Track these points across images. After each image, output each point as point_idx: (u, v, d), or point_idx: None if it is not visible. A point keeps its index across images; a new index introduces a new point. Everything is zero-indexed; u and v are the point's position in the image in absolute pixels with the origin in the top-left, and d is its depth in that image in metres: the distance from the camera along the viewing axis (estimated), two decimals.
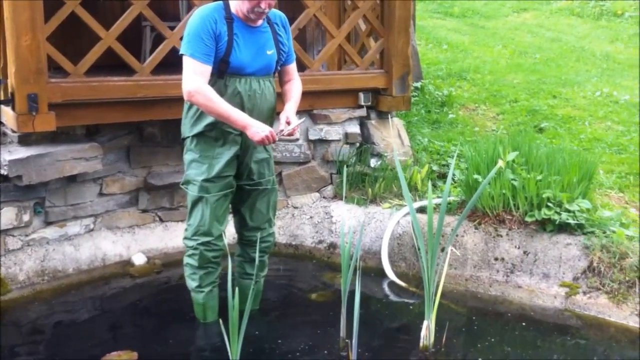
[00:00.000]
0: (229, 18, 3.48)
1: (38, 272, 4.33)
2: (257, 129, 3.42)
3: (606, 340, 3.74)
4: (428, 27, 11.90)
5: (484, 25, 12.45)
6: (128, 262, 4.67)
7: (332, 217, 5.15)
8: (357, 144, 5.55)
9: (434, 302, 3.52)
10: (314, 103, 5.34)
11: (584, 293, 4.06)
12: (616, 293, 3.97)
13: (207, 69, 3.44)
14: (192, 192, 3.62)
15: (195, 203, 3.64)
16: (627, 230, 4.29)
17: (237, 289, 3.13)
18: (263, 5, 3.43)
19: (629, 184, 5.28)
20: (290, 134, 3.62)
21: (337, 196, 5.37)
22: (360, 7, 5.40)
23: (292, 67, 3.87)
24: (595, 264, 4.09)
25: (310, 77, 5.24)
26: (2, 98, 4.36)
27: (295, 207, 5.32)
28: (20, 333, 3.82)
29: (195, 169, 3.61)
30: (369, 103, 5.55)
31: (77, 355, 3.54)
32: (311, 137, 5.36)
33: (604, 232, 4.25)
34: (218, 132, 3.56)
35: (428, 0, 13.82)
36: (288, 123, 3.61)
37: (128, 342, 3.60)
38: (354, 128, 5.52)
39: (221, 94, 3.46)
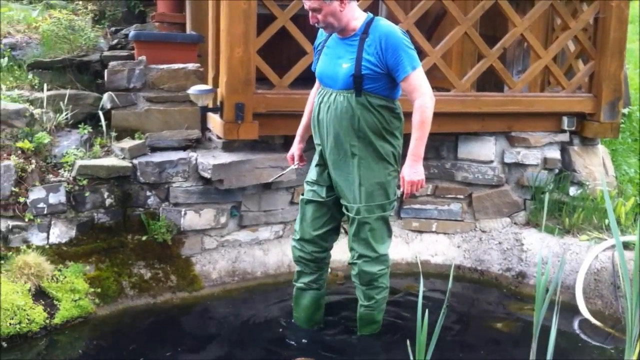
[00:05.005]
0: None
1: (229, 272, 4.53)
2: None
3: None
4: (638, 50, 11.09)
5: None
6: None
7: (522, 244, 4.90)
8: (556, 170, 5.25)
9: (636, 347, 3.21)
10: (512, 125, 5.14)
11: None
12: None
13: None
14: None
15: None
16: None
17: None
18: (305, 6, 3.39)
19: None
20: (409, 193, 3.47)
21: (529, 223, 5.12)
22: (571, 28, 5.13)
23: (406, 85, 3.39)
24: None
25: (511, 98, 5.08)
26: (211, 106, 4.63)
27: (484, 231, 5.14)
28: (210, 327, 4.00)
29: None
30: (573, 128, 5.25)
31: (260, 356, 3.65)
32: (507, 160, 5.15)
33: None
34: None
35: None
36: (402, 179, 3.45)
37: (308, 349, 3.64)
38: (554, 153, 5.24)
39: None
